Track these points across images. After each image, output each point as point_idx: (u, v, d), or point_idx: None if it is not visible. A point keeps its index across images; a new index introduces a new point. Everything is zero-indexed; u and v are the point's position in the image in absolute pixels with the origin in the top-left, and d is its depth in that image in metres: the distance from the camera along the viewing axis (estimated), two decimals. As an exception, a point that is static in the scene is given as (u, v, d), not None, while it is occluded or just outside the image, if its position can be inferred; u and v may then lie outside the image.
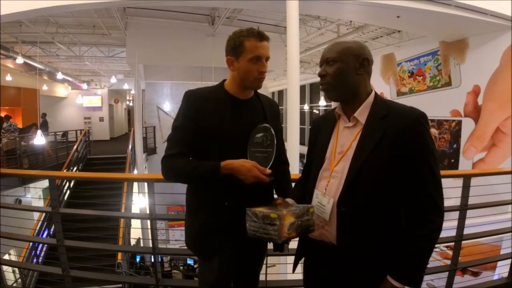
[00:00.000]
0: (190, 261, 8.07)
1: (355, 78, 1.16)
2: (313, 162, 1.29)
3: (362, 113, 1.17)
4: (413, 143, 1.08)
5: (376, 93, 1.20)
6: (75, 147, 9.12)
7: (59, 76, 11.19)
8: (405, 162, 1.08)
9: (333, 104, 10.77)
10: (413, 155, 1.08)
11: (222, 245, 1.30)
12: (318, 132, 1.31)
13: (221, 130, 1.28)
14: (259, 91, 1.43)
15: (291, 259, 1.36)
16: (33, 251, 5.96)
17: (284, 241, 1.12)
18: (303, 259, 1.33)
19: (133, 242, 7.06)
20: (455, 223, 2.30)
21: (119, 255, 5.89)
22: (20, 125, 10.58)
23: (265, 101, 1.43)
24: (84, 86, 15.62)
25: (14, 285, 4.99)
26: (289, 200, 1.30)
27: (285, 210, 1.12)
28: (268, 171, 1.24)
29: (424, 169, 1.08)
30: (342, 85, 1.16)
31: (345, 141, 1.19)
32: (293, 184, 1.51)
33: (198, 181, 1.30)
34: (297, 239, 1.34)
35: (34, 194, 8.28)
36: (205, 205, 1.32)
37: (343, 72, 1.15)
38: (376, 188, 1.10)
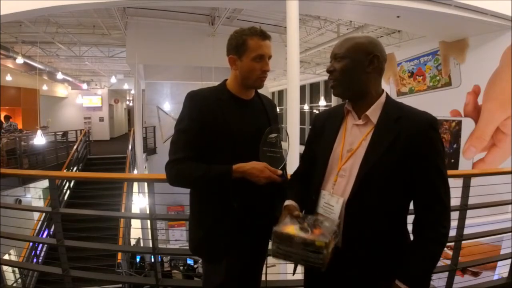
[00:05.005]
0: (190, 261, 8.06)
1: (363, 76, 1.13)
2: (318, 160, 1.24)
3: (374, 112, 1.14)
4: (424, 148, 1.07)
5: (387, 94, 1.18)
6: (75, 147, 9.12)
7: (59, 76, 11.19)
8: (416, 166, 1.07)
9: (333, 104, 10.74)
10: (425, 159, 1.07)
11: (229, 247, 1.29)
12: (323, 129, 1.26)
13: (227, 130, 1.26)
14: (260, 91, 1.42)
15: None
16: (33, 251, 5.97)
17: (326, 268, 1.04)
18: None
19: (133, 242, 7.06)
20: (455, 223, 2.30)
21: (119, 255, 5.89)
22: (20, 125, 10.59)
23: (266, 101, 1.43)
24: (84, 86, 15.63)
25: (14, 285, 4.99)
26: (293, 204, 1.22)
27: (328, 236, 1.02)
28: (280, 172, 1.24)
29: (435, 174, 1.07)
30: (349, 82, 1.14)
31: (354, 139, 1.16)
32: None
33: (209, 186, 1.27)
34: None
35: (34, 194, 8.28)
36: (212, 208, 1.30)
37: (351, 69, 1.12)
38: (385, 190, 1.09)
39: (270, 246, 1.46)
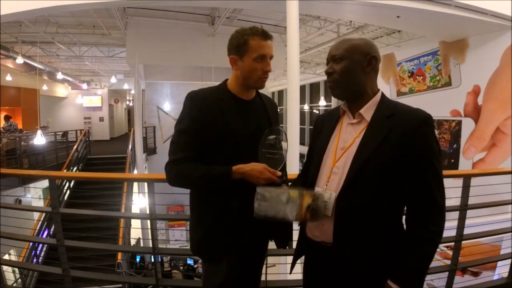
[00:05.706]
0: (190, 261, 8.07)
1: (362, 76, 1.15)
2: (313, 158, 1.26)
3: (368, 111, 1.15)
4: (417, 144, 1.06)
5: (382, 93, 1.19)
6: (75, 147, 9.11)
7: (59, 76, 11.19)
8: (408, 163, 1.06)
9: (333, 104, 10.75)
10: (418, 156, 1.06)
11: (229, 247, 1.29)
12: (321, 129, 1.29)
13: (227, 130, 1.26)
14: (260, 91, 1.42)
15: (291, 259, 1.36)
16: (33, 251, 5.96)
17: (299, 221, 1.10)
18: (301, 259, 1.32)
19: (133, 242, 7.06)
20: (455, 223, 2.30)
21: (119, 255, 5.89)
22: (20, 125, 10.59)
23: (266, 101, 1.43)
24: (84, 86, 15.62)
25: (14, 285, 4.99)
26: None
27: (304, 190, 1.08)
28: (279, 173, 1.24)
29: (429, 171, 1.07)
30: (349, 83, 1.15)
31: (348, 137, 1.17)
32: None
33: (209, 187, 1.27)
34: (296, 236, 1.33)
35: (34, 194, 8.28)
36: (212, 209, 1.30)
37: (351, 70, 1.14)
38: (376, 186, 1.09)
39: (270, 246, 1.47)
